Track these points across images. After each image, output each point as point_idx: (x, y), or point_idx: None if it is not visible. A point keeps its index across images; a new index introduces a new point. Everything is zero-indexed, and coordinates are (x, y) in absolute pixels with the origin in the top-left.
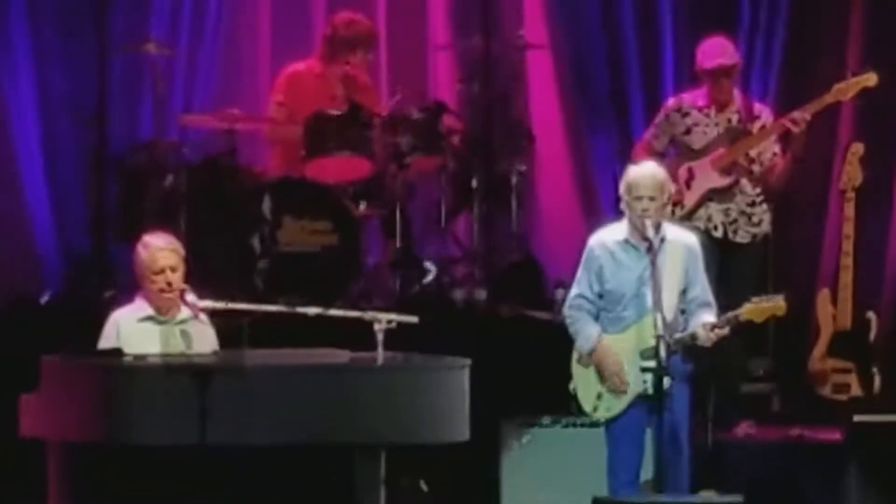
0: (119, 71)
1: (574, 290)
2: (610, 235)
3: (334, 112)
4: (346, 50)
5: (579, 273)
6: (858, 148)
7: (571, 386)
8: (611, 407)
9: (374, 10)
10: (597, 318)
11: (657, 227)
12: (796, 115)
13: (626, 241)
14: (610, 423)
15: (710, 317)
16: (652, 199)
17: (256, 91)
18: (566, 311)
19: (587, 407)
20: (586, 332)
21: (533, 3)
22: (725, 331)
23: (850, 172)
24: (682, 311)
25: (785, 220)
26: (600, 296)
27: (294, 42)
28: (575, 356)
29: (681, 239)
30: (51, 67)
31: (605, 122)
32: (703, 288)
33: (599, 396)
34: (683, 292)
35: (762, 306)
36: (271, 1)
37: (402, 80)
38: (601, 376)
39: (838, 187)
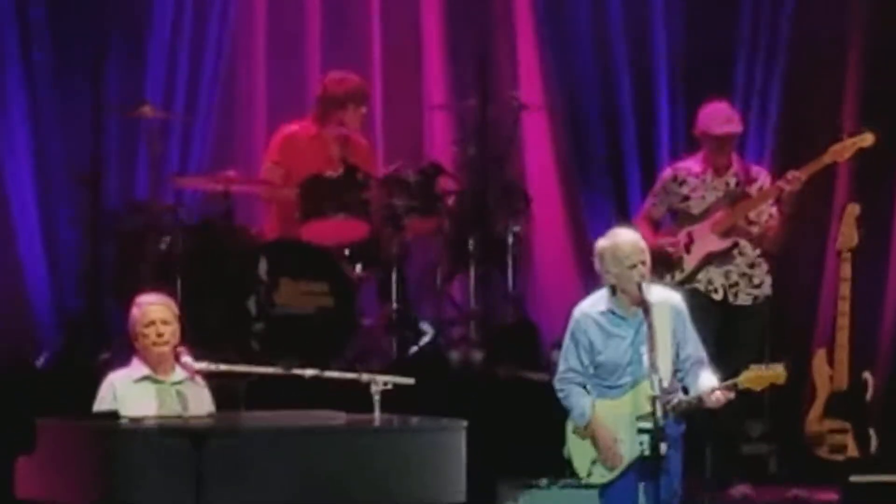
0: (115, 133)
1: (563, 365)
2: (593, 307)
3: (330, 174)
4: (338, 107)
5: (567, 346)
6: (854, 209)
7: (566, 451)
8: (605, 473)
9: (370, 70)
10: (585, 388)
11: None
12: (792, 175)
13: (612, 312)
14: (604, 488)
15: (708, 374)
16: (643, 263)
17: (252, 153)
18: (557, 384)
19: (582, 472)
20: (580, 407)
21: (529, 65)
22: (732, 394)
23: (847, 233)
24: (677, 371)
25: (781, 280)
26: (592, 366)
27: (290, 104)
28: (570, 422)
29: (665, 300)
30: (47, 129)
31: (601, 183)
32: (695, 345)
33: (594, 462)
34: (676, 353)
35: (761, 374)
36: (266, 63)
37: (398, 140)
38: (595, 449)
39: (835, 248)
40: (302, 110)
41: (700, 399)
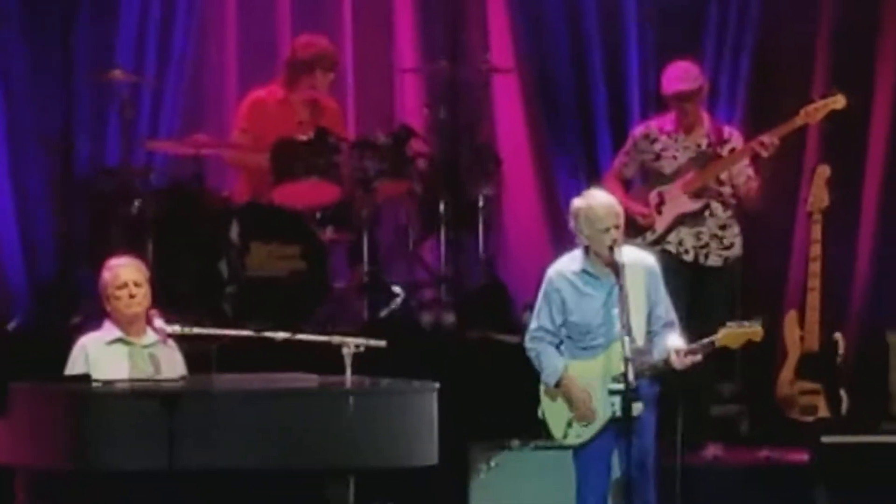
0: (86, 98)
1: (534, 323)
2: (568, 266)
3: (301, 138)
4: (305, 72)
5: (539, 305)
6: (825, 170)
7: (540, 412)
8: (581, 433)
9: (341, 34)
10: (558, 347)
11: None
12: (765, 138)
13: (585, 272)
14: (578, 449)
15: (675, 336)
16: (617, 227)
17: (223, 116)
18: (528, 343)
19: (557, 433)
20: (552, 366)
21: (499, 28)
22: (699, 356)
23: (817, 195)
24: (648, 332)
25: (752, 242)
26: (564, 326)
27: (260, 67)
28: (542, 385)
29: (639, 261)
30: (18, 95)
31: (572, 146)
32: (666, 307)
33: (570, 423)
34: (648, 314)
35: (739, 332)
36: (237, 27)
37: (369, 104)
38: (569, 406)
39: (805, 210)
40: (273, 74)
41: (666, 361)
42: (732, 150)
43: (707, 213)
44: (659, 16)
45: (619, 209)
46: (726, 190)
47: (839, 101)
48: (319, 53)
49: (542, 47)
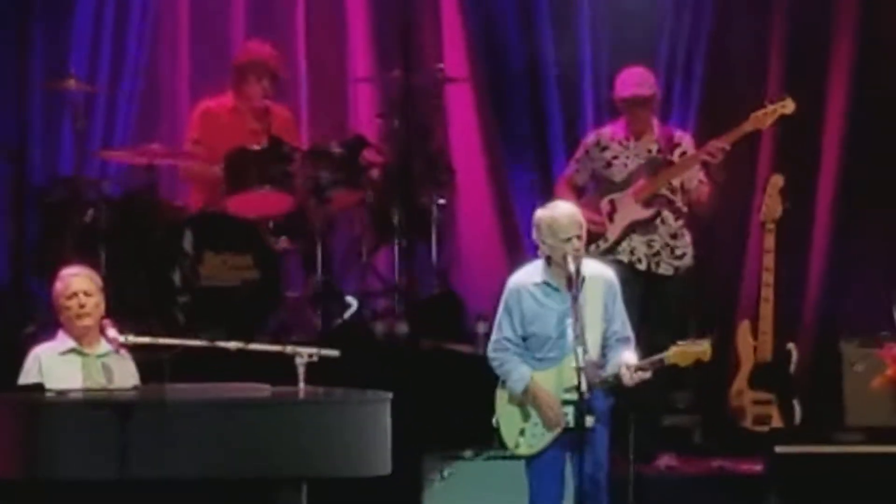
0: (39, 107)
1: (496, 334)
2: (528, 278)
3: (255, 147)
4: (241, 78)
5: (500, 316)
6: (778, 180)
7: (495, 420)
8: (533, 444)
9: (294, 42)
10: (521, 357)
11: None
12: (713, 145)
13: (546, 284)
14: (531, 460)
15: (629, 351)
16: (579, 237)
17: (176, 126)
18: (491, 353)
19: (510, 442)
20: (518, 373)
21: (453, 37)
22: (648, 373)
23: (770, 204)
24: (603, 346)
25: (705, 251)
26: (524, 338)
27: (214, 76)
28: (500, 391)
29: (600, 274)
30: None
31: (525, 155)
32: (622, 322)
33: (522, 432)
34: (605, 328)
35: (687, 350)
36: (190, 35)
37: (323, 112)
38: (538, 412)
39: (758, 219)
40: (225, 82)
41: (617, 376)
42: (683, 154)
43: (658, 220)
44: (611, 24)
45: (582, 220)
46: (678, 197)
47: (788, 106)
48: (253, 60)
49: (496, 56)
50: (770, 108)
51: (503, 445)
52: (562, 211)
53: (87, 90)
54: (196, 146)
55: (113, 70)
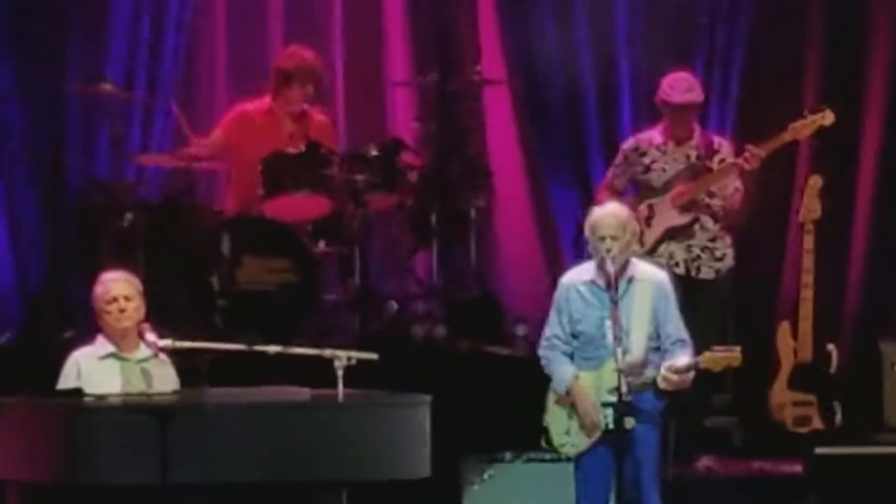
0: (76, 112)
1: (547, 331)
2: (578, 276)
3: (292, 151)
4: (285, 83)
5: (551, 313)
6: (817, 181)
7: (545, 419)
8: (577, 444)
9: (331, 46)
10: (572, 356)
11: (624, 266)
12: (750, 153)
13: (593, 282)
14: (578, 459)
15: (685, 354)
16: (614, 238)
17: (213, 129)
18: (540, 351)
19: (557, 442)
20: (561, 373)
21: (490, 40)
22: (688, 375)
23: (809, 205)
24: (657, 349)
25: (745, 253)
26: (574, 336)
27: (251, 80)
28: (550, 391)
29: (650, 277)
30: (8, 108)
31: (562, 157)
32: (676, 325)
33: (568, 432)
34: (655, 330)
35: (718, 356)
36: (227, 39)
37: (360, 116)
38: (577, 415)
39: (798, 220)
40: (263, 86)
41: (654, 380)
42: (722, 161)
43: (697, 226)
44: (648, 29)
45: (622, 222)
46: (716, 203)
47: (827, 118)
48: (299, 66)
49: (533, 59)
50: (809, 118)
51: (551, 445)
52: (602, 210)
53: (123, 95)
54: (218, 140)
55: (149, 74)
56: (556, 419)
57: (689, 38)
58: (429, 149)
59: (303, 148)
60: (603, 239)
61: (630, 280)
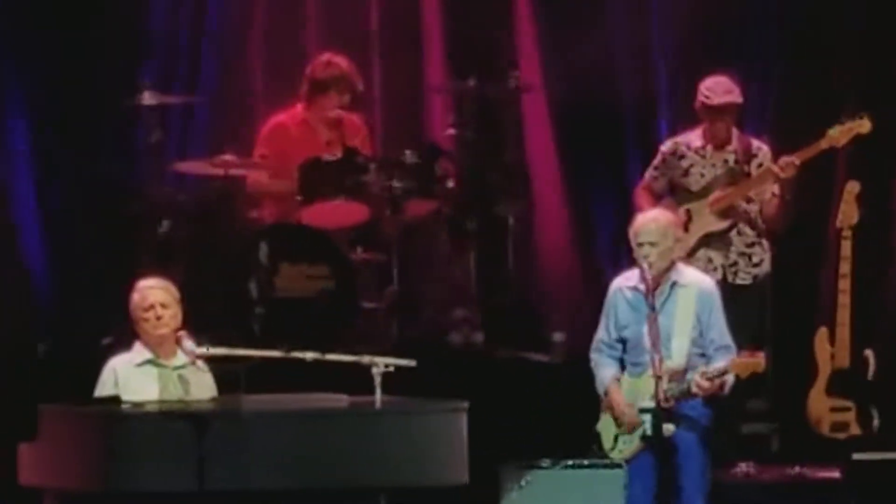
0: (113, 119)
1: (597, 334)
2: (625, 282)
3: (329, 158)
4: (321, 91)
5: (602, 316)
6: (855, 186)
7: (598, 425)
8: (623, 449)
9: (368, 52)
10: (622, 361)
11: (667, 270)
12: (784, 160)
13: (636, 288)
14: (627, 464)
15: (723, 362)
16: (652, 244)
17: (250, 135)
18: (591, 353)
19: (607, 446)
20: (601, 376)
21: (527, 45)
22: (726, 378)
23: (847, 211)
24: (702, 355)
25: (782, 258)
26: (620, 341)
27: (288, 86)
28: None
29: (695, 282)
30: (46, 115)
31: (600, 162)
32: (719, 332)
33: (616, 438)
34: (700, 336)
35: (743, 362)
36: (264, 45)
37: (397, 122)
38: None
39: (835, 226)
40: (299, 93)
41: (689, 385)
42: (760, 166)
43: (734, 233)
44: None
45: (662, 228)
46: (753, 208)
47: (865, 126)
48: (336, 75)
49: (571, 64)
50: (847, 125)
51: (601, 450)
52: (644, 217)
53: (161, 102)
54: (263, 160)
55: (187, 82)
56: (605, 425)
57: (726, 43)
58: (466, 155)
59: (340, 155)
60: (641, 245)
61: (673, 285)
